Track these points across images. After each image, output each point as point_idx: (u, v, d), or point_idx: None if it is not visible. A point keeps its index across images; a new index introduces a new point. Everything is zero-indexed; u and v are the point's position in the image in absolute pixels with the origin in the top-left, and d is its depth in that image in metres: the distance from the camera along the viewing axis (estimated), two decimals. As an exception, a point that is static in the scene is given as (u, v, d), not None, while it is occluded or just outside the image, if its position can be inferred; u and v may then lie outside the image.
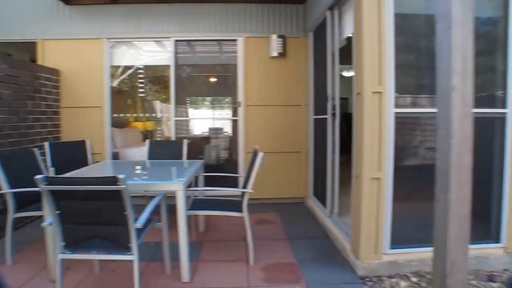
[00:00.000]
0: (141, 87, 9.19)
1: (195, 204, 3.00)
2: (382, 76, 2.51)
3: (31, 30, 4.74)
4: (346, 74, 5.54)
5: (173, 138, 4.82)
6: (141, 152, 5.81)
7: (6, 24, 4.78)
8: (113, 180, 1.90)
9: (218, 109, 6.97)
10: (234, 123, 4.98)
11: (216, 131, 6.13)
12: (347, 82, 3.49)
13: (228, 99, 6.01)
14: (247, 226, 2.85)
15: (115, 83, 10.43)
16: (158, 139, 7.93)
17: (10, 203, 2.94)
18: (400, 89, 2.61)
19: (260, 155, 2.71)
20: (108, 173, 3.20)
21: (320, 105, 4.22)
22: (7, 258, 2.96)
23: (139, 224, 2.02)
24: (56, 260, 2.14)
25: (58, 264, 2.14)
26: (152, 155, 4.12)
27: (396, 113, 2.58)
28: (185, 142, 4.11)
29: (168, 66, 4.81)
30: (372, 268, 2.61)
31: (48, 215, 2.17)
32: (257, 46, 4.74)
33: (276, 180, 4.71)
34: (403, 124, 2.65)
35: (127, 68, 6.73)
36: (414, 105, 2.79)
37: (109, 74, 4.77)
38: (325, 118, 3.76)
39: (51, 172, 4.11)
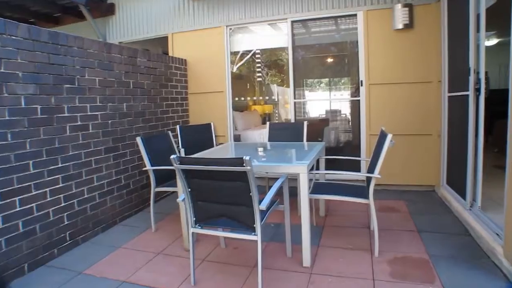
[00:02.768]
0: (259, 71, 9.51)
1: (317, 187, 2.90)
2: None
3: (163, 26, 5.30)
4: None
5: (292, 120, 4.79)
6: (260, 134, 6.01)
7: (144, 25, 5.46)
8: (240, 162, 1.92)
9: (337, 90, 6.69)
10: (355, 104, 4.66)
11: (335, 113, 5.90)
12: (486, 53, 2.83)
13: (347, 79, 5.68)
14: (372, 213, 2.61)
15: (234, 69, 11.10)
16: (276, 121, 8.09)
17: (152, 179, 3.37)
18: None
19: (389, 137, 2.42)
20: (232, 154, 3.35)
21: (456, 80, 3.58)
22: (151, 226, 3.43)
23: (263, 206, 2.02)
24: (189, 232, 2.32)
25: (190, 236, 2.32)
26: (272, 137, 4.16)
27: None
28: (305, 124, 4.02)
29: (284, 49, 4.75)
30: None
31: (181, 191, 2.36)
32: (379, 19, 4.27)
33: (402, 165, 4.25)
34: None
35: (245, 53, 6.97)
36: None
37: (229, 60, 4.98)
38: (464, 95, 3.15)
39: (182, 153, 4.56)
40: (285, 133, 4.14)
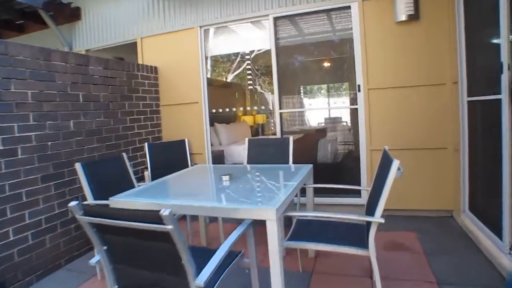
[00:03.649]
0: (250, 79, 8.83)
1: (298, 229, 2.17)
2: None
3: (131, 30, 4.66)
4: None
5: (278, 134, 4.07)
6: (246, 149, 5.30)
7: (112, 30, 4.82)
8: (155, 217, 1.21)
9: (332, 97, 6.02)
10: (353, 113, 3.93)
11: (331, 123, 5.20)
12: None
13: (344, 84, 4.97)
14: (374, 264, 1.87)
15: (230, 77, 10.41)
16: (261, 137, 7.37)
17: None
18: None
19: (395, 164, 1.68)
20: (188, 184, 2.61)
21: (479, 81, 2.86)
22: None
23: (200, 282, 1.29)
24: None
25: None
26: (252, 157, 3.44)
27: None
28: (291, 140, 3.32)
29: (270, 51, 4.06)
30: None
31: (96, 249, 1.66)
32: (378, 11, 3.57)
33: (411, 186, 3.49)
34: None
35: (242, 60, 6.34)
36: None
37: (204, 66, 4.30)
38: (493, 100, 2.43)
39: (147, 177, 3.86)
40: (267, 151, 3.42)
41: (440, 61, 3.39)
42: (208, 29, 4.36)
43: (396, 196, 3.26)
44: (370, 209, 1.93)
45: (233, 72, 10.46)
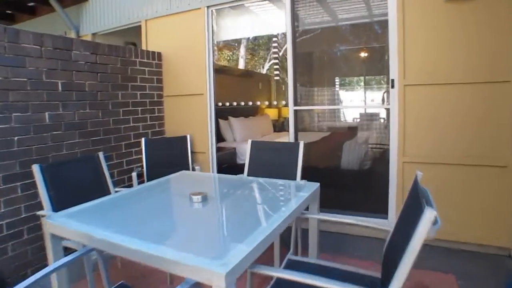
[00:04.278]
0: (277, 68, 8.11)
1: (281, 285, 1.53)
2: None
3: (136, 12, 4.19)
4: None
5: (291, 137, 3.44)
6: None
7: (118, 12, 4.39)
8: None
9: (367, 91, 5.24)
10: (385, 114, 3.19)
11: (365, 120, 4.47)
12: None
13: (375, 78, 4.21)
14: None
15: (265, 70, 9.65)
16: (267, 138, 6.70)
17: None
18: None
19: (427, 218, 1.02)
20: (148, 204, 2.03)
21: None
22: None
23: None
24: None
25: None
26: (253, 165, 2.84)
27: None
28: (301, 147, 2.69)
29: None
30: None
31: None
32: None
33: (455, 211, 2.72)
34: None
35: (267, 45, 5.72)
36: None
37: (211, 52, 3.73)
38: None
39: (134, 178, 3.40)
40: (272, 159, 2.80)
41: (503, 51, 2.55)
42: (218, 9, 3.78)
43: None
44: (386, 270, 1.27)
45: (269, 61, 9.74)
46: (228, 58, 9.27)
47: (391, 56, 2.88)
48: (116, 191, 2.54)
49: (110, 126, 3.39)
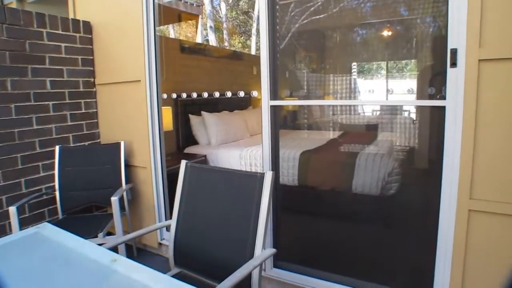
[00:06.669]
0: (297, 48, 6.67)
1: None
2: None
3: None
4: None
5: (265, 141, 2.13)
6: (246, 153, 3.37)
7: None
8: None
9: (386, 79, 4.01)
10: (432, 117, 1.88)
11: (388, 116, 3.20)
12: None
13: (412, 62, 2.93)
14: None
15: (283, 45, 7.71)
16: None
17: None
18: None
19: None
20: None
21: None
22: None
23: None
24: None
25: None
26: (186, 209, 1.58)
27: None
28: (268, 177, 1.41)
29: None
30: None
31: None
32: None
33: None
34: None
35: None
36: None
37: (152, 21, 2.43)
38: None
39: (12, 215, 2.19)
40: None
41: None
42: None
43: None
44: None
45: (285, 38, 8.21)
46: (189, 32, 7.31)
47: (452, 5, 1.49)
48: None
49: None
